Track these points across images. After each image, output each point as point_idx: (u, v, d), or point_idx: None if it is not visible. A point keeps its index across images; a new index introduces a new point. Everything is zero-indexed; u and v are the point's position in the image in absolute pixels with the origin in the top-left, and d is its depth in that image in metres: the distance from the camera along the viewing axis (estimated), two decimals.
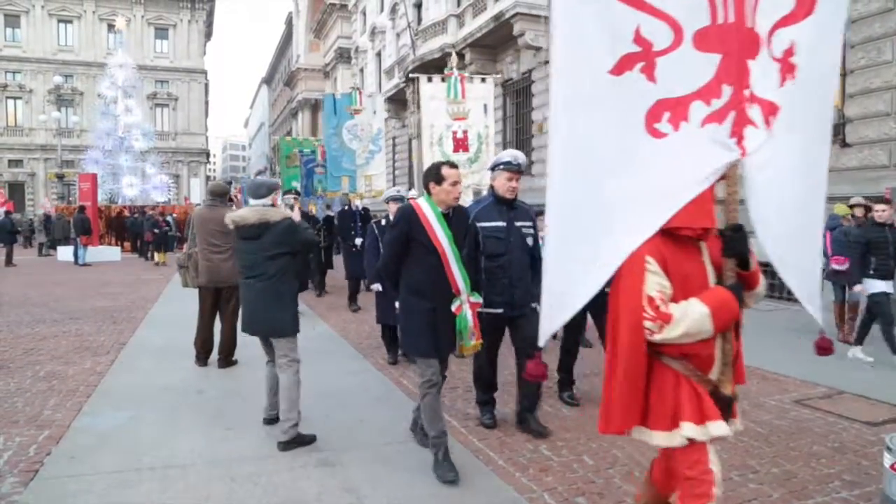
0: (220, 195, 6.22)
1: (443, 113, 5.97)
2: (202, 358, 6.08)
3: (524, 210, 4.24)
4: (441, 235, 3.39)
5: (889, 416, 4.51)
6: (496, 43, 17.07)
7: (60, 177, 30.67)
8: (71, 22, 43.22)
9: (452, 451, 3.84)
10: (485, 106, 6.22)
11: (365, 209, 10.05)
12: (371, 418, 4.49)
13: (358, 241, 9.50)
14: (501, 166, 4.08)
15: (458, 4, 19.88)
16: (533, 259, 4.14)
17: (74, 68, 42.46)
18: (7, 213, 21.46)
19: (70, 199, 30.98)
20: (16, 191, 39.93)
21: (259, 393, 4.50)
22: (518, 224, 4.13)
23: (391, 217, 8.59)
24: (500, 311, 4.06)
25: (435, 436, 3.50)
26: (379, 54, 32.20)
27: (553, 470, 3.56)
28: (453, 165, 3.52)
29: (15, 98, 42.19)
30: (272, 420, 4.23)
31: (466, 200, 5.94)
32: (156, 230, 19.21)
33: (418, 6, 25.08)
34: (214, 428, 4.28)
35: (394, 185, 10.27)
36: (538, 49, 15.52)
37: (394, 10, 28.54)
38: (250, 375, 5.44)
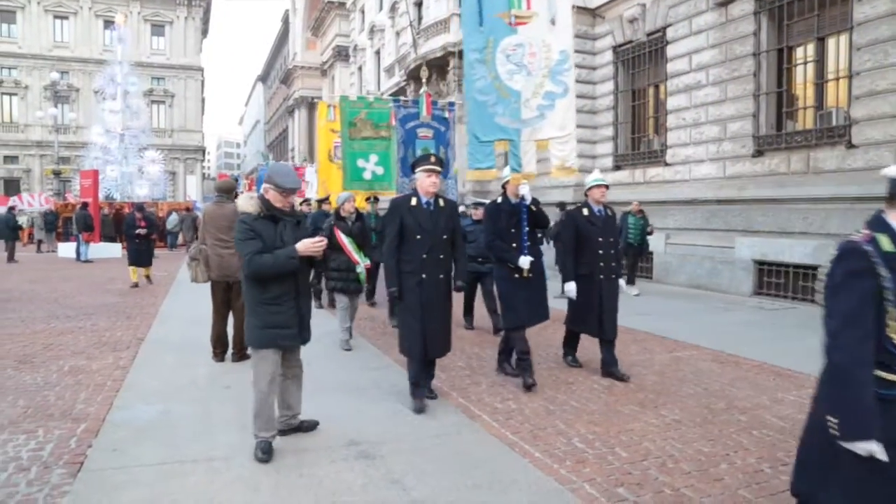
0: (227, 191, 6.33)
1: None
2: (219, 353, 6.13)
3: None
4: None
5: None
6: None
7: (57, 173, 30.59)
8: (67, 18, 42.96)
9: (485, 444, 3.92)
10: None
11: (535, 202, 5.38)
12: (402, 412, 4.56)
13: (525, 261, 5.15)
14: None
15: (460, 3, 19.94)
16: None
17: (70, 64, 42.29)
18: (10, 209, 21.31)
19: (65, 196, 30.88)
20: (11, 187, 39.70)
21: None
22: None
23: (606, 212, 5.62)
24: None
25: None
26: (378, 52, 32.20)
27: (589, 462, 3.64)
28: None
29: (10, 94, 41.94)
30: (287, 430, 4.06)
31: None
32: (137, 232, 12.06)
33: (419, 5, 25.10)
34: (247, 422, 4.32)
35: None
36: None
37: (393, 8, 28.55)
38: None
